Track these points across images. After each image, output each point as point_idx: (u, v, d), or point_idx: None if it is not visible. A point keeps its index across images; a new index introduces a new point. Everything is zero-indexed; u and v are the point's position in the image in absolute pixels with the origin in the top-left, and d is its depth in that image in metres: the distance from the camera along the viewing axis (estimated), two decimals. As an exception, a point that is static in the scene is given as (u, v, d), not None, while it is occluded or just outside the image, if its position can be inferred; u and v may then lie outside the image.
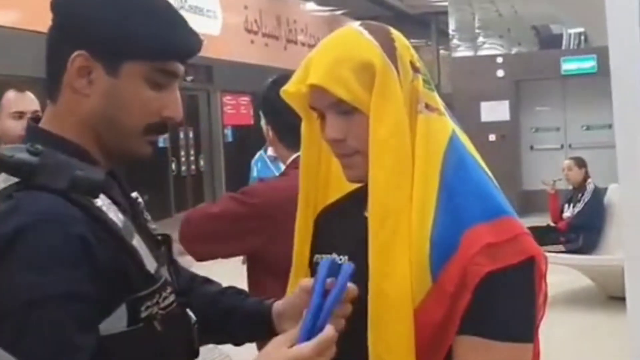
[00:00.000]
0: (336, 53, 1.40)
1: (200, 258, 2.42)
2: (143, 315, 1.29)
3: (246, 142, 12.02)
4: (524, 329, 1.36)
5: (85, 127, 1.32)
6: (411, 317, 1.34)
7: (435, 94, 1.46)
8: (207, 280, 1.66)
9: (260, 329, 1.56)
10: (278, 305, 1.54)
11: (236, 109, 13.25)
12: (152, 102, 1.32)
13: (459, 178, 1.38)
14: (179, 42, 1.34)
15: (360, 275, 1.37)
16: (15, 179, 1.22)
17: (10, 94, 3.31)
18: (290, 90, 1.46)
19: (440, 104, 1.45)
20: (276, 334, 1.37)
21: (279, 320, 1.53)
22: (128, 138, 1.34)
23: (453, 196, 1.36)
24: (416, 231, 1.35)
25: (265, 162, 3.71)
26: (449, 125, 1.43)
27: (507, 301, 1.33)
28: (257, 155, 3.94)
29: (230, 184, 11.95)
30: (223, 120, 12.83)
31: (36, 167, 1.21)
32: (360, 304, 1.36)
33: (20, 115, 3.25)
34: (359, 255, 1.39)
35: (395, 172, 1.37)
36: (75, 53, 1.28)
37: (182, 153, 11.99)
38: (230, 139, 12.99)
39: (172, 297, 1.37)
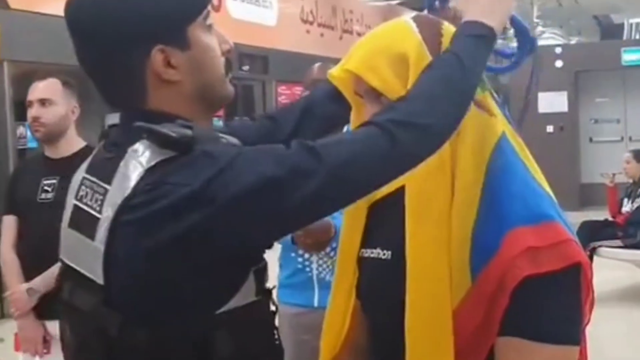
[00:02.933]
0: (376, 42, 1.42)
1: None
2: (265, 287, 1.34)
3: (301, 132, 12.02)
4: (568, 331, 1.33)
5: (188, 104, 1.34)
6: (449, 317, 1.33)
7: (488, 94, 1.43)
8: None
9: None
10: None
11: (291, 98, 13.28)
12: (216, 46, 1.38)
13: (504, 181, 1.36)
14: None
15: (402, 273, 1.36)
16: (172, 153, 1.24)
17: (33, 84, 3.43)
18: (334, 74, 1.47)
19: (492, 104, 1.43)
20: None
21: None
22: (220, 87, 1.39)
23: (496, 198, 1.34)
24: (457, 232, 1.34)
25: None
26: (498, 127, 1.41)
27: (549, 304, 1.30)
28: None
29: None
30: (278, 110, 12.90)
31: (195, 138, 1.24)
32: (400, 302, 1.36)
33: (29, 103, 3.39)
34: (404, 252, 1.38)
35: (432, 169, 1.35)
36: (154, 50, 1.29)
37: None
38: (285, 128, 13.02)
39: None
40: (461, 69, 1.32)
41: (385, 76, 1.37)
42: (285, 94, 13.15)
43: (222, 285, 1.27)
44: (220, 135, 1.33)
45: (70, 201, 1.38)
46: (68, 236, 1.37)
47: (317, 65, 3.44)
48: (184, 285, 1.24)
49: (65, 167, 3.15)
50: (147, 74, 1.31)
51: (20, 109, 7.74)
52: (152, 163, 1.24)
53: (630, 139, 14.38)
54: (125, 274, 1.25)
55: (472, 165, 1.36)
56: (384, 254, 1.47)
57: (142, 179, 1.24)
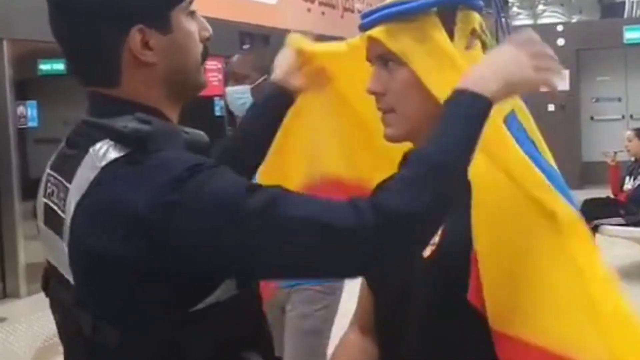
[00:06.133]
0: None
1: None
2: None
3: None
4: None
5: (159, 89, 1.32)
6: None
7: None
8: None
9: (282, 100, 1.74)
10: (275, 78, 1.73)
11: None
12: (196, 32, 1.35)
13: None
14: None
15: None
16: (128, 149, 1.22)
17: None
18: (351, 43, 1.55)
19: None
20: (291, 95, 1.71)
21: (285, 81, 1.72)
22: (194, 74, 1.36)
23: None
24: None
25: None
26: (506, 104, 1.41)
27: None
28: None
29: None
30: (279, 89, 12.87)
31: (150, 134, 1.22)
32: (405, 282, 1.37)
33: None
34: None
35: None
36: (133, 30, 1.27)
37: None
38: (286, 107, 12.99)
39: None
40: (445, 166, 1.21)
41: (403, 41, 1.40)
42: (286, 73, 13.11)
43: (192, 287, 1.21)
44: (184, 130, 1.30)
45: (41, 199, 1.35)
46: (45, 234, 1.34)
47: (236, 56, 3.38)
48: (145, 289, 1.20)
49: None
50: (123, 52, 1.28)
51: (21, 88, 7.75)
52: (107, 162, 1.22)
53: (631, 117, 14.37)
54: (85, 275, 1.23)
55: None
56: None
57: (95, 178, 1.22)
